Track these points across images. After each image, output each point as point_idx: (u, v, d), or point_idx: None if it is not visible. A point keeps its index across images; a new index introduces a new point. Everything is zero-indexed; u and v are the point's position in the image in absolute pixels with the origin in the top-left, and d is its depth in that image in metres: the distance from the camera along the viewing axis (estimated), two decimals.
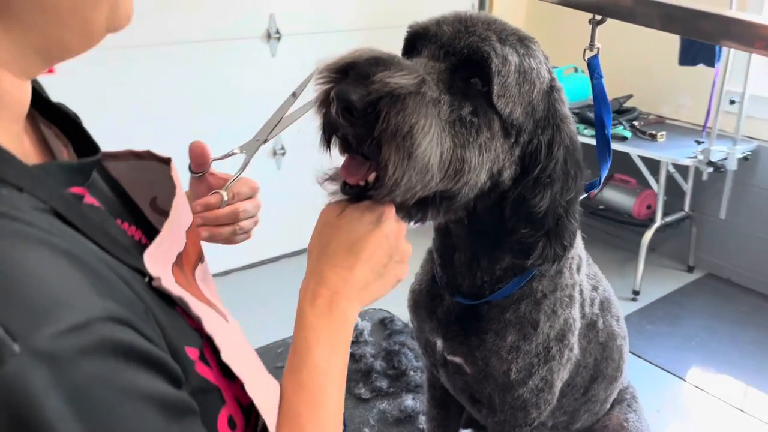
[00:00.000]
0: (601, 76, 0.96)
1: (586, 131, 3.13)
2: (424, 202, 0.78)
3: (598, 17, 0.97)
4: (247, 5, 2.92)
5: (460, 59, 0.77)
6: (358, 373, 1.61)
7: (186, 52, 2.81)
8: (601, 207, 3.48)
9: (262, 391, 0.62)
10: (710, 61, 2.90)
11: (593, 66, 0.96)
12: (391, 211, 0.76)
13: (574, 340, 0.99)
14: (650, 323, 2.98)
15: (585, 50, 0.98)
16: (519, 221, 0.84)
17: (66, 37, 0.51)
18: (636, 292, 3.13)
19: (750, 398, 2.55)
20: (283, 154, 3.24)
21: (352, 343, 1.79)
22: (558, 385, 0.99)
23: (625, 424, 1.14)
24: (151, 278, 0.55)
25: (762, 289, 3.18)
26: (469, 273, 0.94)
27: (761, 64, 3.02)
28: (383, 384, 1.56)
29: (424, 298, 1.04)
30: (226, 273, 3.20)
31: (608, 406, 1.18)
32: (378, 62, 0.70)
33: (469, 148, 0.75)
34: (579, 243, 1.04)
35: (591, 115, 3.19)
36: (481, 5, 3.65)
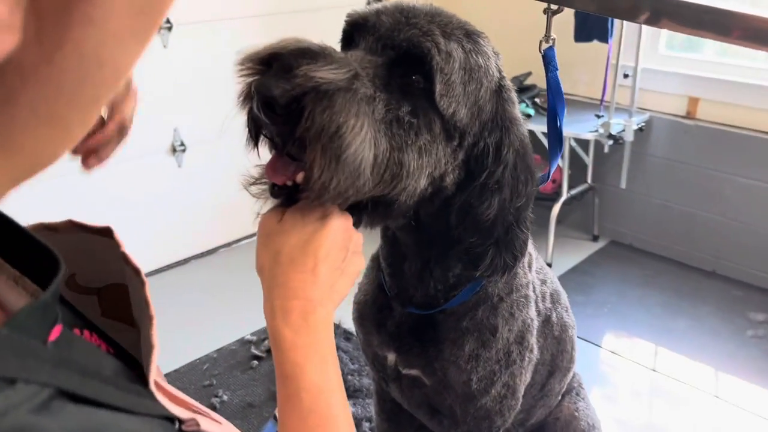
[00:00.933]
0: (557, 69, 0.93)
1: None
2: (358, 206, 0.73)
3: (554, 7, 0.94)
4: None
5: (399, 53, 0.71)
6: None
7: None
8: None
9: None
10: (604, 37, 2.99)
11: (549, 57, 0.93)
12: (333, 206, 0.70)
13: (533, 340, 0.97)
14: None
15: (540, 41, 0.94)
16: (466, 230, 0.79)
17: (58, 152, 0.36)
18: (548, 265, 3.21)
19: (660, 357, 2.69)
20: (183, 150, 3.06)
21: None
22: (521, 390, 0.97)
23: (577, 413, 1.14)
24: (180, 422, 0.44)
25: (661, 252, 3.36)
26: (421, 283, 0.89)
27: (651, 38, 3.15)
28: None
29: (371, 310, 0.98)
30: None
31: (560, 397, 1.18)
32: (305, 53, 0.63)
33: (407, 150, 0.70)
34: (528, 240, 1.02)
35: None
36: None
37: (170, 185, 2.94)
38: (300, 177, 0.66)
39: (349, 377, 1.54)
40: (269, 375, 1.62)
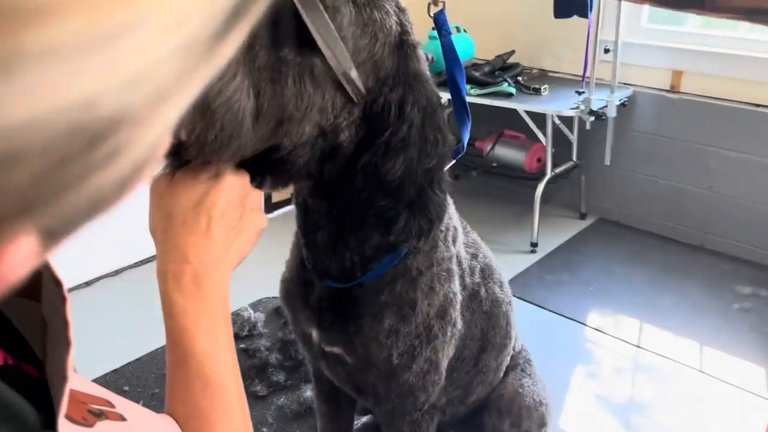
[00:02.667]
0: (449, 33, 0.90)
1: (472, 91, 3.13)
2: (255, 164, 0.70)
3: None
4: None
5: (284, 8, 0.68)
6: (253, 369, 1.53)
7: None
8: (494, 164, 3.52)
9: None
10: (583, 12, 2.95)
11: (440, 22, 0.90)
12: (225, 165, 0.67)
13: (456, 314, 0.95)
14: (550, 273, 3.06)
15: (429, 5, 0.92)
16: (376, 192, 0.77)
17: None
18: (534, 245, 3.21)
19: (645, 334, 2.67)
20: None
21: (245, 338, 1.71)
22: (444, 364, 0.95)
23: (521, 390, 1.13)
24: None
25: (647, 227, 3.33)
26: (335, 253, 0.87)
27: (631, 12, 3.10)
28: (280, 377, 1.49)
29: (296, 286, 0.97)
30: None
31: (501, 374, 1.17)
32: None
33: (290, 95, 0.67)
34: (453, 214, 1.00)
35: (476, 74, 3.19)
36: None
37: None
38: (184, 133, 0.63)
39: None
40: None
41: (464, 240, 1.03)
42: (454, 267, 0.95)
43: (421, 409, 0.96)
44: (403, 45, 0.78)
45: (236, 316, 1.76)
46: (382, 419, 0.98)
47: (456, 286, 0.95)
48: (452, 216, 0.98)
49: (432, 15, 0.91)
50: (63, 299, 0.48)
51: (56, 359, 0.47)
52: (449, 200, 1.01)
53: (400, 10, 0.79)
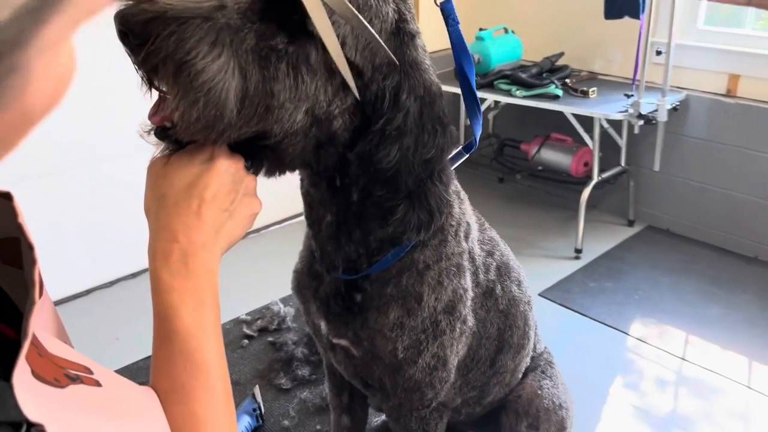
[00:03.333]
0: (457, 23, 0.88)
1: (518, 92, 3.09)
2: (247, 149, 0.70)
3: None
4: None
5: None
6: (279, 362, 1.55)
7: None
8: (539, 168, 3.46)
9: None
10: (635, 13, 2.87)
11: (447, 11, 0.88)
12: (222, 148, 0.68)
13: (467, 311, 0.94)
14: (593, 280, 2.99)
15: None
16: (372, 182, 0.76)
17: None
18: (578, 251, 3.13)
19: (691, 346, 2.58)
20: None
21: (273, 331, 1.73)
22: (453, 361, 0.94)
23: (539, 392, 1.10)
24: (30, 426, 0.43)
25: (699, 236, 3.21)
26: (339, 244, 0.87)
27: (686, 13, 3.00)
28: (305, 372, 1.50)
29: (306, 277, 0.97)
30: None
31: (520, 375, 1.14)
32: None
33: (280, 81, 0.67)
34: (468, 209, 0.98)
35: (523, 75, 3.15)
36: None
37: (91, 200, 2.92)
38: (177, 116, 0.64)
39: None
40: (257, 354, 1.64)
41: (480, 237, 1.00)
42: (466, 263, 0.93)
43: (429, 406, 0.95)
44: (400, 32, 0.76)
45: (266, 310, 1.79)
46: (390, 415, 0.97)
47: (467, 282, 0.93)
48: (466, 211, 0.96)
49: (438, 4, 0.89)
50: (34, 262, 0.50)
51: (25, 318, 0.49)
52: (464, 196, 0.99)
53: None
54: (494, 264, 1.01)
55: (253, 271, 1.65)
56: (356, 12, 0.68)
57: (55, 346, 0.59)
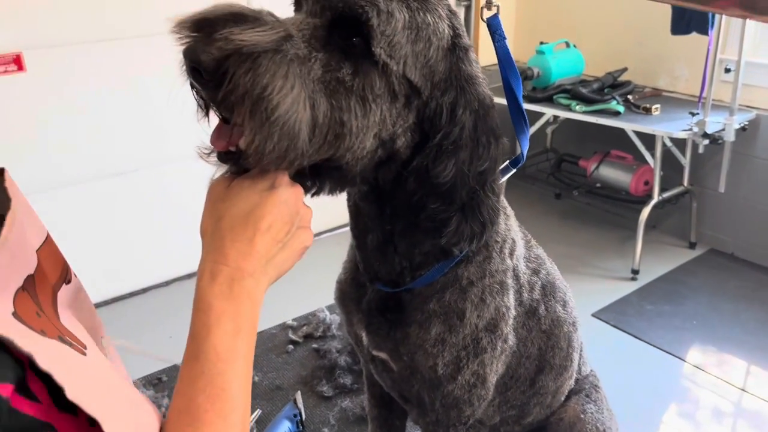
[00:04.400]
0: (504, 38, 0.87)
1: (578, 107, 3.03)
2: (313, 171, 0.72)
3: None
4: None
5: (335, 15, 0.69)
6: (322, 369, 1.56)
7: (160, 44, 2.75)
8: (598, 185, 3.38)
9: (131, 426, 0.55)
10: (703, 29, 2.78)
11: (494, 27, 0.88)
12: (284, 176, 0.69)
13: (508, 329, 0.92)
14: (650, 303, 2.89)
15: (482, 9, 0.89)
16: (427, 195, 0.76)
17: None
18: (635, 272, 3.04)
19: (752, 377, 2.46)
20: None
21: (318, 338, 1.74)
22: (492, 379, 0.92)
23: (582, 416, 1.07)
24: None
25: (765, 262, 3.07)
26: (383, 257, 0.87)
27: (757, 30, 2.89)
28: (347, 380, 1.50)
29: (350, 288, 0.97)
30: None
31: (563, 398, 1.11)
32: (235, 18, 0.63)
33: (349, 110, 0.68)
34: (513, 225, 0.97)
35: (583, 90, 3.09)
36: None
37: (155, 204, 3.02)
38: (242, 142, 0.65)
39: None
40: (301, 360, 1.65)
41: (526, 254, 0.99)
42: (509, 280, 0.92)
43: (466, 423, 0.93)
44: (456, 48, 0.77)
45: (312, 317, 1.80)
46: (426, 430, 0.96)
47: (510, 300, 0.91)
48: (511, 227, 0.95)
49: (485, 19, 0.89)
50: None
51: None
52: (510, 212, 0.98)
53: (452, 13, 0.78)
54: (539, 283, 0.99)
55: (301, 277, 1.68)
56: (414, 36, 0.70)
57: (67, 321, 0.61)
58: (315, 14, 0.70)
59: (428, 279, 0.87)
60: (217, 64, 0.61)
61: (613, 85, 3.22)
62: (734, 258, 3.19)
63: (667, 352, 2.60)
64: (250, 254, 0.66)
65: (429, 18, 0.73)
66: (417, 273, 0.87)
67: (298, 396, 1.40)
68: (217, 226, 0.67)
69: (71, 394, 0.49)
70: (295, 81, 0.64)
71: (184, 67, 0.66)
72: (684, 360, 2.56)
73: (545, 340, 1.00)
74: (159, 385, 1.49)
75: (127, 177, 2.84)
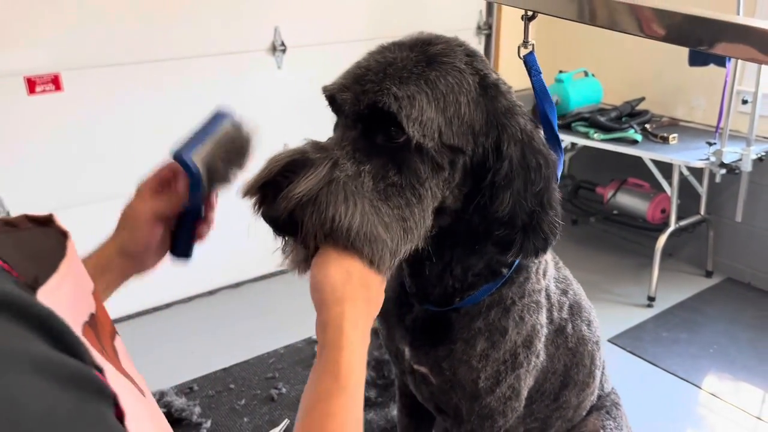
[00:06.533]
0: (540, 72, 0.93)
1: (595, 135, 3.09)
2: None
3: (530, 13, 0.95)
4: (251, 19, 2.96)
5: (368, 120, 0.76)
6: None
7: (191, 67, 2.86)
8: (615, 212, 3.42)
9: None
10: (721, 61, 2.83)
11: (530, 63, 0.94)
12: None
13: (541, 346, 0.97)
14: (666, 330, 2.91)
15: (519, 47, 0.95)
16: (490, 225, 0.81)
17: None
18: (651, 299, 3.07)
19: None
20: None
21: None
22: (524, 393, 0.97)
23: (602, 431, 1.11)
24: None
25: None
26: (440, 282, 0.92)
27: None
28: (371, 394, 1.55)
29: (393, 305, 1.02)
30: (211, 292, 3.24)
31: (584, 413, 1.15)
32: (287, 169, 0.72)
33: (408, 205, 0.76)
34: None
35: (601, 119, 3.15)
36: (489, 13, 3.64)
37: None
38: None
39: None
40: None
41: (555, 275, 1.04)
42: (543, 300, 0.97)
43: None
44: (486, 89, 0.80)
45: None
46: None
47: (543, 318, 0.96)
48: None
49: (522, 57, 0.94)
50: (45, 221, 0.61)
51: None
52: None
53: (470, 55, 0.81)
54: (567, 303, 1.03)
55: None
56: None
57: (127, 367, 0.65)
58: (350, 127, 0.77)
59: (476, 299, 0.91)
60: (290, 218, 0.71)
61: (630, 114, 3.27)
62: (751, 287, 3.20)
63: (683, 379, 2.61)
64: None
65: (451, 79, 0.77)
66: (466, 294, 0.91)
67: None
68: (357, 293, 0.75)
69: (130, 424, 0.51)
70: (355, 199, 0.72)
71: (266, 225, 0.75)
72: (700, 387, 2.57)
73: (570, 357, 1.05)
74: (191, 394, 1.54)
75: None
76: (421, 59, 0.77)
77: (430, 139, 0.75)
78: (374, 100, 0.74)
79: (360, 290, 0.73)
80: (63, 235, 0.61)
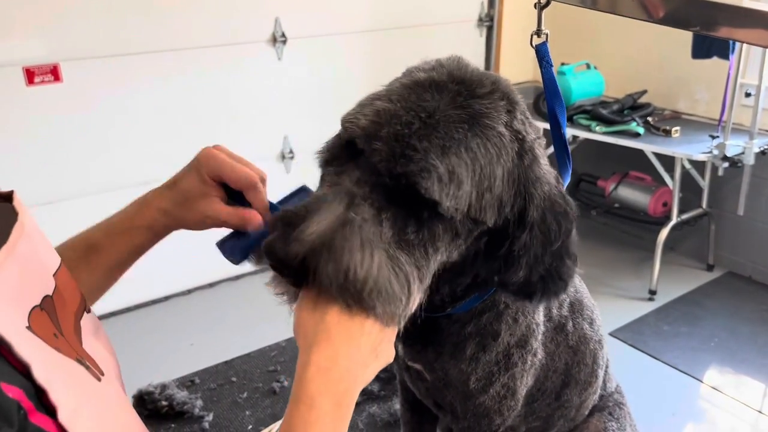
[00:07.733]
0: (551, 65, 0.88)
1: (597, 128, 3.08)
2: None
3: (543, 0, 0.91)
4: (252, 10, 2.94)
5: (399, 182, 0.67)
6: None
7: (191, 58, 2.84)
8: (616, 205, 3.41)
9: None
10: (724, 54, 2.82)
11: (542, 53, 0.89)
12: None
13: (537, 344, 0.96)
14: (667, 324, 2.91)
15: (532, 35, 0.91)
16: (501, 285, 0.79)
17: None
18: (652, 292, 3.06)
19: None
20: (292, 158, 3.26)
21: None
22: (522, 391, 0.96)
23: None
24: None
25: None
26: (427, 300, 0.89)
27: None
28: (375, 387, 1.54)
29: None
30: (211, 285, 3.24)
31: (586, 412, 1.14)
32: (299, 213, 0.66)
33: (422, 261, 0.70)
34: None
35: (603, 111, 3.13)
36: (491, 4, 3.61)
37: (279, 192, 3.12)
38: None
39: None
40: None
41: None
42: None
43: (497, 431, 0.97)
44: (523, 158, 0.73)
45: None
46: None
47: (540, 317, 0.95)
48: None
49: (534, 46, 0.90)
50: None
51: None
52: None
53: (510, 111, 0.73)
54: (567, 300, 1.02)
55: None
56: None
57: (90, 347, 0.63)
58: (374, 172, 0.68)
59: (468, 306, 0.89)
60: (300, 263, 0.64)
61: (632, 107, 3.26)
62: (752, 281, 3.20)
63: (684, 373, 2.62)
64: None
65: (491, 149, 0.70)
66: (456, 303, 0.89)
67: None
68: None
69: (62, 417, 0.50)
70: (372, 247, 0.65)
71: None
72: (701, 381, 2.58)
73: (572, 356, 1.04)
74: (192, 387, 1.54)
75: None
76: (464, 118, 0.69)
77: (460, 212, 0.69)
78: (416, 180, 0.66)
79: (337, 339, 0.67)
80: (15, 215, 0.59)
